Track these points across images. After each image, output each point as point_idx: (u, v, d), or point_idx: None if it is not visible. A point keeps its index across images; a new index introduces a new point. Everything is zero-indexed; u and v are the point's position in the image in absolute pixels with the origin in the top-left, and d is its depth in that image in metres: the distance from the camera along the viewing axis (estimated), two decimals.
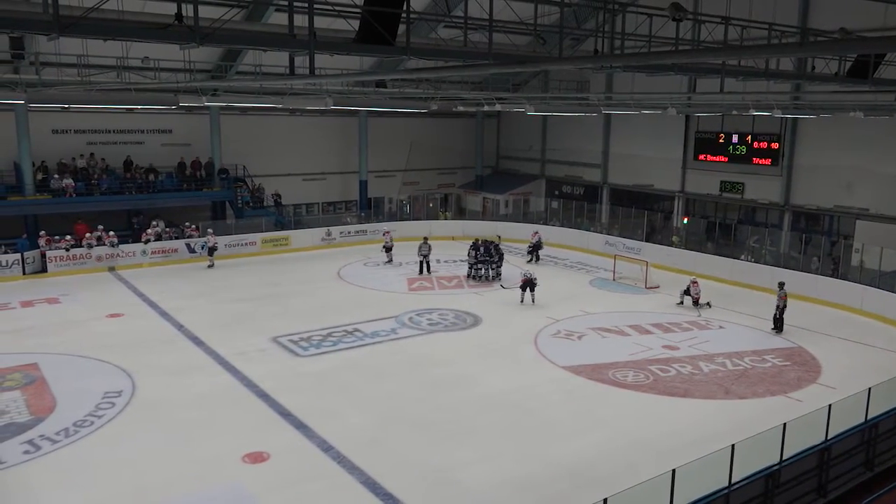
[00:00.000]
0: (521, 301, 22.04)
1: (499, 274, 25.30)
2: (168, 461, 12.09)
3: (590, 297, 23.30)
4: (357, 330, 19.27)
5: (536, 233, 29.36)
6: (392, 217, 34.91)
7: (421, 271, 26.01)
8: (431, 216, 35.39)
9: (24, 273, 24.61)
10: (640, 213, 30.38)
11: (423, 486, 11.42)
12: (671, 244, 28.52)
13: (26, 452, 12.21)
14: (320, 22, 10.77)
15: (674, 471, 9.17)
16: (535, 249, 28.49)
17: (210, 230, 27.82)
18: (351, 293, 23.51)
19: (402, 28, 10.99)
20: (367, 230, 32.02)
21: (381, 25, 10.35)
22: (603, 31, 16.93)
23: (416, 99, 27.33)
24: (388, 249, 28.09)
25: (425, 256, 26.10)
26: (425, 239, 26.60)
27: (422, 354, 17.60)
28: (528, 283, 22.04)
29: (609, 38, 15.06)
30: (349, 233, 31.72)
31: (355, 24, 11.10)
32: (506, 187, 38.52)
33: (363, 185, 35.74)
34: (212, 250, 27.09)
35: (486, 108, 28.23)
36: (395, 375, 16.21)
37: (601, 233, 31.16)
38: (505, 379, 16.01)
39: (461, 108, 30.27)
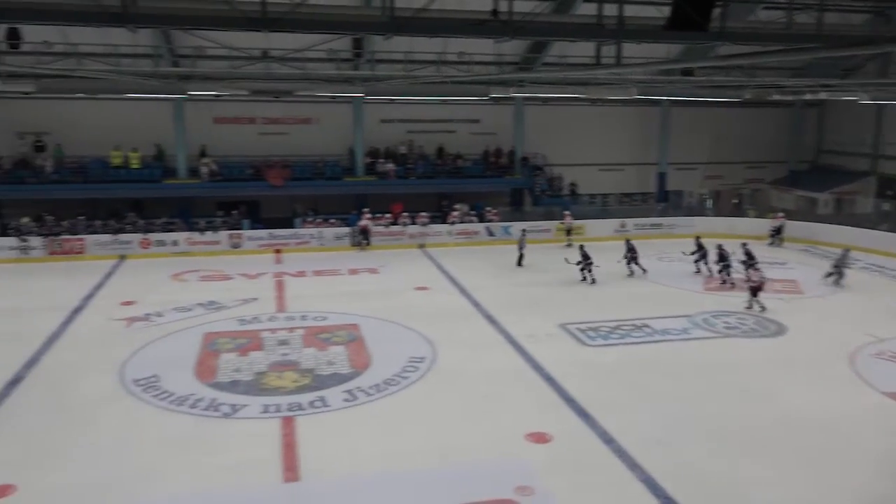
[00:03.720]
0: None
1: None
2: (459, 427, 13.03)
3: None
4: (646, 325, 18.82)
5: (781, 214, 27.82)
6: (692, 212, 33.35)
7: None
8: (734, 213, 32.99)
9: (351, 245, 28.29)
10: None
11: (705, 497, 10.81)
12: None
13: (346, 400, 14.10)
14: (628, 10, 10.67)
15: None
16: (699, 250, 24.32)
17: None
18: (643, 288, 22.98)
19: (716, 12, 10.43)
20: (663, 223, 31.05)
21: (695, 10, 9.93)
22: None
23: (725, 87, 25.64)
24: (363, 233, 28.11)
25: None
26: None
27: (715, 359, 16.61)
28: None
29: None
30: (644, 225, 31.01)
31: (665, 10, 10.79)
32: (826, 185, 34.36)
33: (661, 178, 34.57)
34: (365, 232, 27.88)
35: (807, 96, 25.46)
36: (684, 377, 15.53)
37: None
38: (810, 397, 14.40)
39: (777, 97, 27.68)
